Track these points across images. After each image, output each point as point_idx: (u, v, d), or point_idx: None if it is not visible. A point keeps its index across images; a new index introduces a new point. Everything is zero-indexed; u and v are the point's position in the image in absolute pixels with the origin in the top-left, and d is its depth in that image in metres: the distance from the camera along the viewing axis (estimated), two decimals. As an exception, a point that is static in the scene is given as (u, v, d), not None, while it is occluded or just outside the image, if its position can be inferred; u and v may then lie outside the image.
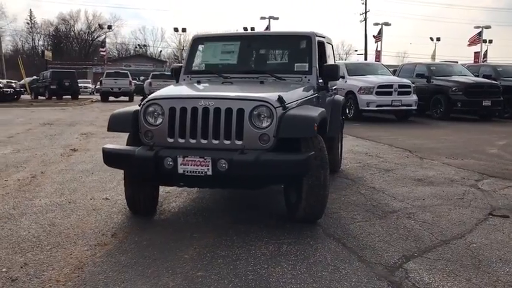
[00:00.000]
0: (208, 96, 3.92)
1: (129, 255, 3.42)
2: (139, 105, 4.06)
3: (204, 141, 3.81)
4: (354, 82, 14.56)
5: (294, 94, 4.32)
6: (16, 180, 5.77)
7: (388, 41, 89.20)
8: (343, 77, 15.17)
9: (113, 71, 32.88)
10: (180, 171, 3.71)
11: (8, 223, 4.12)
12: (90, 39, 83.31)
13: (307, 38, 5.08)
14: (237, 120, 3.76)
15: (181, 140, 3.85)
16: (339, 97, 6.26)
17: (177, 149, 3.80)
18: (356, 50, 72.01)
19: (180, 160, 3.70)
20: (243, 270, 3.16)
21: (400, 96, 14.09)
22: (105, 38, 59.72)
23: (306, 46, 5.07)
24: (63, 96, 29.33)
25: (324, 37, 5.69)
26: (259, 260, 3.33)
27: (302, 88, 4.65)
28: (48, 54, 45.26)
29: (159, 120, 3.93)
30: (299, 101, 4.28)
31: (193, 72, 5.15)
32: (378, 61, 37.93)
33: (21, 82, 33.14)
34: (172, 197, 4.98)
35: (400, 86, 14.19)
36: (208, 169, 3.66)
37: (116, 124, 4.09)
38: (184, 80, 5.12)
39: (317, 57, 5.01)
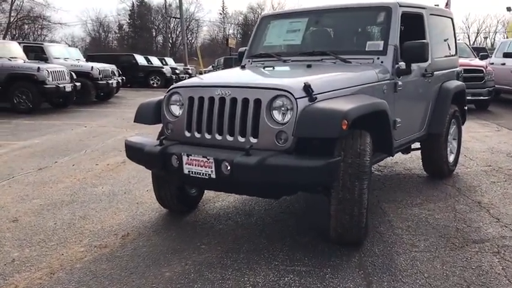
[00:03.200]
0: (224, 84, 3.30)
1: (113, 264, 3.05)
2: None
3: (219, 138, 3.23)
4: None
5: (342, 80, 3.42)
6: (105, 165, 5.92)
7: None
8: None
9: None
10: (186, 171, 3.21)
11: (50, 211, 4.13)
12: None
13: (386, 9, 4.02)
14: (254, 113, 3.09)
15: (197, 135, 3.34)
16: (452, 83, 4.95)
17: (186, 146, 3.30)
18: None
19: (185, 159, 3.20)
20: (209, 303, 2.53)
21: None
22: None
23: (384, 20, 4.01)
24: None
25: (423, 8, 4.50)
26: (241, 291, 2.66)
27: (367, 72, 3.69)
28: (232, 41, 48.21)
29: (179, 111, 3.47)
30: (349, 89, 3.37)
31: (255, 56, 4.53)
32: None
33: (205, 69, 35.91)
34: (223, 195, 4.49)
35: None
36: (212, 171, 3.09)
37: (140, 116, 3.74)
38: (245, 64, 4.54)
39: (398, 33, 3.94)
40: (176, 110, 3.51)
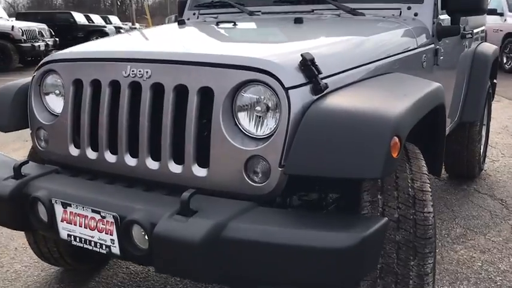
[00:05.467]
0: (140, 55, 1.66)
1: None
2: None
3: (131, 162, 1.63)
4: (517, 20, 10.78)
5: (363, 49, 1.85)
6: None
7: None
8: (501, 14, 11.41)
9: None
10: (63, 234, 1.59)
11: None
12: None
13: None
14: (199, 116, 1.49)
15: (91, 155, 1.72)
16: (486, 47, 3.47)
17: (66, 180, 1.69)
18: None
19: (59, 212, 1.58)
20: None
21: None
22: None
23: None
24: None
25: None
26: None
27: (398, 33, 2.13)
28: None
29: (60, 107, 1.81)
30: (374, 66, 1.80)
31: (203, 6, 2.86)
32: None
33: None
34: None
35: None
36: (112, 241, 1.49)
37: None
38: (188, 19, 2.87)
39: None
40: (56, 103, 1.86)
